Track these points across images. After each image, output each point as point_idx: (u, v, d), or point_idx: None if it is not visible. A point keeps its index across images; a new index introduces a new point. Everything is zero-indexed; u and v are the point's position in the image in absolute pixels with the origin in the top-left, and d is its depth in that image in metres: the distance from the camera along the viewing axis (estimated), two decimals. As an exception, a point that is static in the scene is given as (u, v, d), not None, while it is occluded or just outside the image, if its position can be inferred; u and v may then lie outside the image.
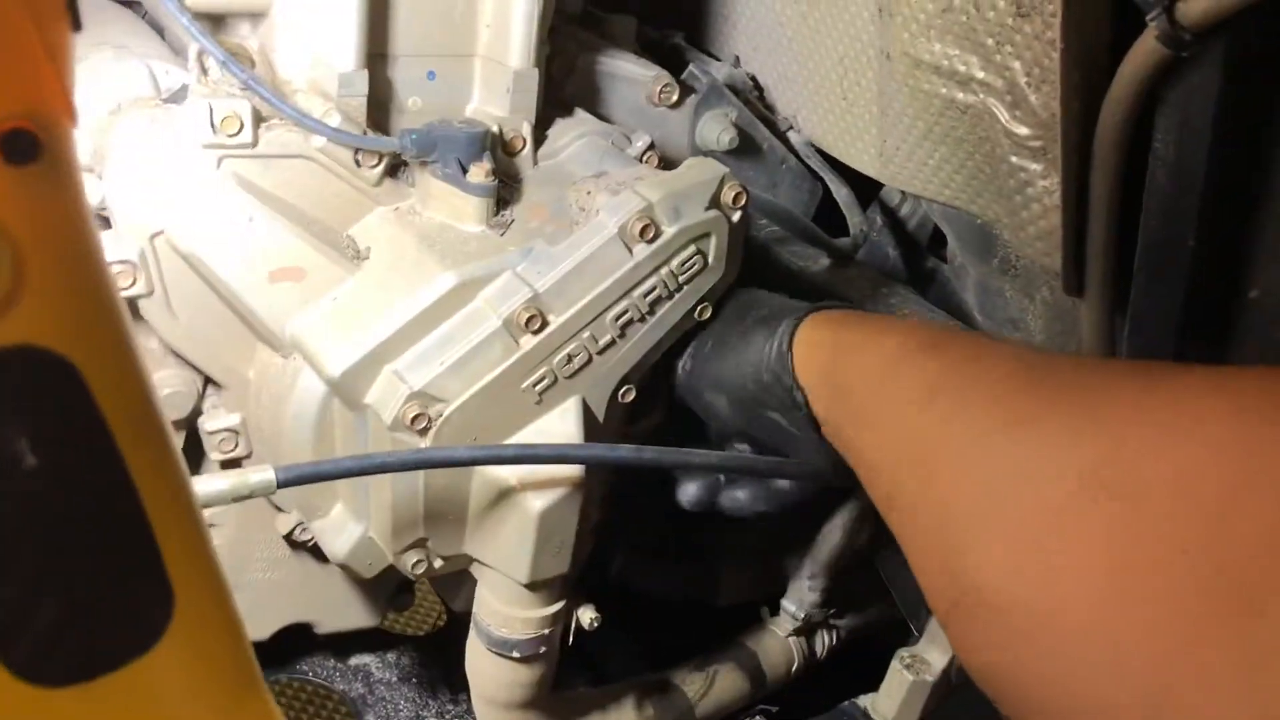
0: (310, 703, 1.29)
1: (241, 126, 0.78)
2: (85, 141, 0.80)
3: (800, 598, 1.16)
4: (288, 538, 0.94)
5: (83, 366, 0.33)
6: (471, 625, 0.91)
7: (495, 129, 0.85)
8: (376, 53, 0.83)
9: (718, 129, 1.03)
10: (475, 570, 0.88)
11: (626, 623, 1.11)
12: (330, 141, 0.80)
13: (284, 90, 0.82)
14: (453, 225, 0.82)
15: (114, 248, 0.79)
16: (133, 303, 0.81)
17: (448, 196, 0.81)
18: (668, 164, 0.89)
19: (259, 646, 0.41)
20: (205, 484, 0.66)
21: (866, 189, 1.09)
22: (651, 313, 0.81)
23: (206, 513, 0.78)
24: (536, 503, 0.79)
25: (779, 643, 1.17)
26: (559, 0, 0.90)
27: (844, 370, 0.71)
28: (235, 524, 0.95)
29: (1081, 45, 0.75)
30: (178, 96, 0.81)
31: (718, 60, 1.15)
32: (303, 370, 0.81)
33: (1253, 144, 0.74)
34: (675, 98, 1.00)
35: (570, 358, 0.79)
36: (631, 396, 0.84)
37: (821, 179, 1.09)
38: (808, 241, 1.06)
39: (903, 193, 1.09)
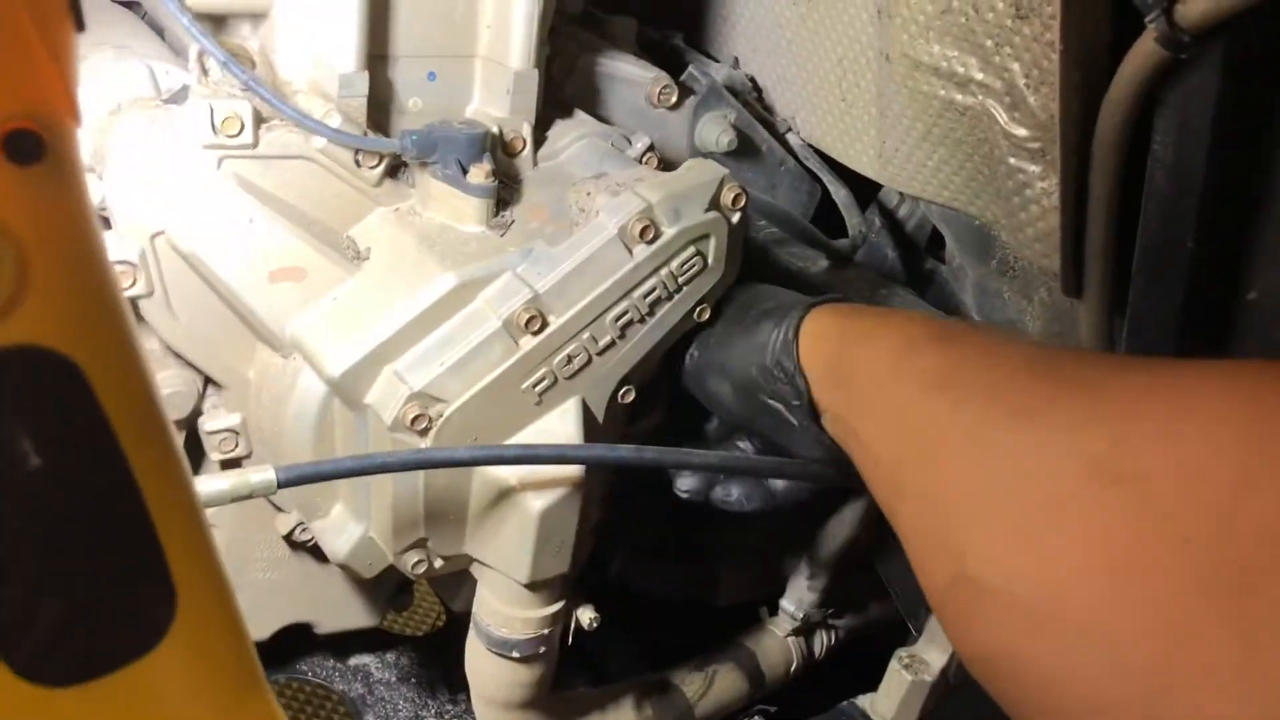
0: (309, 703, 1.29)
1: (242, 127, 0.78)
2: (86, 141, 0.80)
3: (799, 598, 1.16)
4: (288, 538, 0.94)
5: (86, 367, 0.33)
6: (471, 625, 0.91)
7: (495, 130, 0.85)
8: (377, 54, 0.83)
9: (717, 130, 1.03)
10: (475, 570, 0.88)
11: (626, 623, 1.11)
12: (331, 142, 0.80)
13: (284, 91, 0.83)
14: (453, 226, 0.82)
15: (114, 248, 0.79)
16: (133, 303, 0.81)
17: (448, 197, 0.82)
18: (667, 165, 0.89)
19: (258, 647, 0.41)
20: (206, 484, 0.66)
21: (865, 190, 1.09)
22: (651, 313, 0.81)
23: (206, 513, 0.78)
24: (537, 503, 0.79)
25: (778, 643, 1.18)
26: (559, 1, 0.90)
27: (850, 360, 0.72)
28: (235, 524, 0.95)
29: (1080, 47, 0.76)
30: (178, 97, 0.82)
31: (717, 61, 1.15)
32: (303, 370, 0.81)
33: (1252, 145, 0.74)
34: (674, 99, 1.01)
35: (570, 358, 0.79)
36: (631, 397, 0.84)
37: (820, 180, 1.09)
38: (806, 243, 1.07)
39: (901, 194, 1.09)
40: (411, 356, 0.77)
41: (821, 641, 1.21)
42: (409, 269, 0.79)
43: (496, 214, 0.82)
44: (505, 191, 0.84)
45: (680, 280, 0.81)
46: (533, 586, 0.84)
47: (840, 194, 1.07)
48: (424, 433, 0.76)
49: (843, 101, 1.01)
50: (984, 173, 0.89)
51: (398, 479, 0.78)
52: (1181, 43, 0.69)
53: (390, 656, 1.35)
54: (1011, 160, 0.84)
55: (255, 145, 0.79)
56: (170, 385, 0.86)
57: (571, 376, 0.79)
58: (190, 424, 0.89)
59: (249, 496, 0.68)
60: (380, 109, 0.85)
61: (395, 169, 0.84)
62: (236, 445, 0.89)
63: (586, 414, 0.81)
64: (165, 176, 0.78)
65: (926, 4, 0.84)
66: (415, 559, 0.84)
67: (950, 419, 0.58)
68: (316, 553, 0.96)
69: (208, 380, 0.88)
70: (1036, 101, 0.79)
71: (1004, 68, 0.81)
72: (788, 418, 0.77)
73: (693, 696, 1.10)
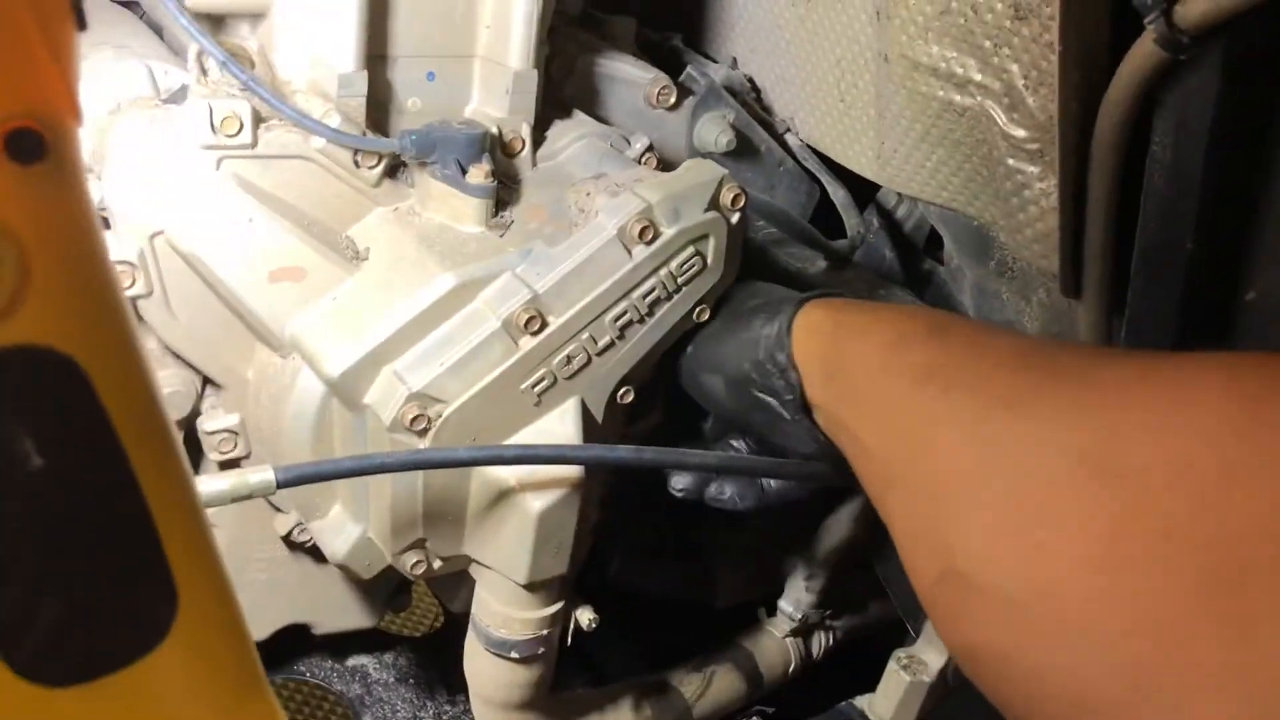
0: (308, 703, 1.29)
1: (241, 127, 0.78)
2: (84, 141, 0.80)
3: (797, 598, 1.16)
4: (286, 538, 0.94)
5: (88, 366, 0.33)
6: (470, 626, 0.91)
7: (494, 130, 0.85)
8: (376, 54, 0.83)
9: (715, 131, 1.03)
10: (474, 571, 0.88)
11: (624, 624, 1.11)
12: (330, 142, 0.80)
13: (283, 91, 0.83)
14: (452, 226, 0.82)
15: (113, 248, 0.79)
16: (132, 303, 0.81)
17: (447, 197, 0.82)
18: (666, 166, 0.89)
19: (256, 647, 0.41)
20: (205, 484, 0.66)
21: (864, 191, 1.09)
22: (650, 314, 0.81)
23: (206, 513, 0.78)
24: (535, 503, 0.79)
25: (776, 643, 1.18)
26: (559, 1, 0.90)
27: (843, 353, 0.72)
28: (233, 524, 0.95)
29: (1080, 48, 0.76)
30: (177, 97, 0.82)
31: (715, 62, 1.15)
32: (302, 370, 0.81)
33: (1251, 146, 0.74)
34: (673, 100, 1.01)
35: (569, 359, 0.79)
36: (630, 398, 0.84)
37: (819, 181, 1.09)
38: (805, 243, 1.07)
39: (900, 194, 1.09)
40: (411, 357, 0.76)
41: (819, 642, 1.21)
42: (408, 269, 0.79)
43: (496, 214, 0.82)
44: (504, 192, 0.84)
45: (679, 280, 0.81)
46: (531, 587, 0.84)
47: (839, 194, 1.07)
48: (423, 433, 0.76)
49: (841, 102, 1.01)
50: (982, 173, 0.89)
51: (396, 479, 0.78)
52: (1180, 44, 0.69)
53: (388, 657, 1.35)
54: (1010, 161, 0.84)
55: (254, 145, 0.79)
56: (169, 385, 0.86)
57: (571, 377, 0.79)
58: (189, 424, 0.89)
59: (248, 497, 0.68)
60: (379, 109, 0.85)
61: (394, 169, 0.84)
62: (235, 445, 0.89)
63: (585, 414, 0.81)
64: (164, 176, 0.78)
65: (925, 5, 0.84)
66: (414, 559, 0.84)
67: (939, 411, 0.58)
68: (315, 553, 0.96)
69: (206, 380, 0.88)
70: (1035, 102, 0.80)
71: (1003, 68, 0.81)
72: (780, 412, 0.77)
73: (691, 697, 1.10)
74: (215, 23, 0.83)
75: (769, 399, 0.77)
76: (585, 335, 0.79)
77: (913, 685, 1.05)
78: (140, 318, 0.82)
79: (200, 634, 0.37)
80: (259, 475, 0.68)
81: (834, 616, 1.21)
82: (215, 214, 0.79)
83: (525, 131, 0.87)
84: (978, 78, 0.83)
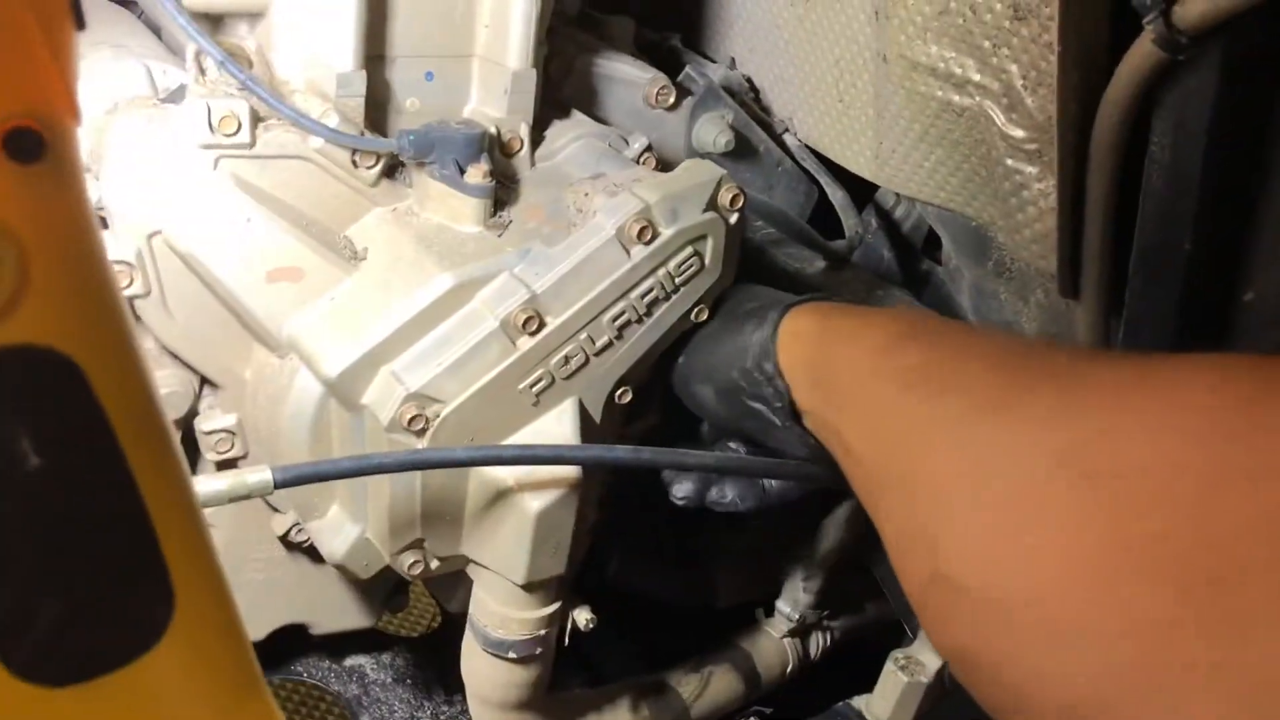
0: (305, 703, 1.29)
1: (239, 127, 0.78)
2: (82, 141, 0.80)
3: (795, 599, 1.16)
4: (284, 538, 0.94)
5: (86, 366, 0.33)
6: (467, 626, 0.91)
7: (493, 130, 0.85)
8: (374, 53, 0.83)
9: (714, 131, 1.03)
10: (472, 571, 0.88)
11: (622, 624, 1.11)
12: (328, 142, 0.80)
13: (282, 90, 0.82)
14: (450, 226, 0.82)
15: (111, 248, 0.79)
16: (129, 303, 0.80)
17: (445, 197, 0.81)
18: (665, 166, 0.89)
19: (254, 647, 0.41)
20: (202, 484, 0.66)
21: (862, 191, 1.09)
22: (649, 314, 0.81)
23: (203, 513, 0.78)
24: (533, 504, 0.79)
25: (774, 644, 1.18)
26: (557, 1, 0.90)
27: (829, 358, 0.71)
28: (231, 525, 0.95)
29: (1078, 48, 0.76)
30: (175, 96, 0.81)
31: (714, 62, 1.15)
32: (300, 370, 0.81)
33: (1249, 147, 0.74)
34: (672, 100, 1.01)
35: (567, 359, 0.79)
36: (628, 398, 0.84)
37: (817, 181, 1.09)
38: (803, 244, 1.07)
39: (898, 195, 1.09)
40: (409, 357, 0.76)
41: (817, 643, 1.21)
42: (406, 269, 0.79)
43: (494, 214, 0.82)
44: (503, 192, 0.84)
45: (678, 281, 0.81)
46: (529, 587, 0.84)
47: (837, 195, 1.07)
48: (421, 433, 0.76)
49: (840, 102, 1.01)
50: (981, 174, 0.89)
51: (394, 479, 0.78)
52: (1179, 44, 0.69)
53: (386, 657, 1.35)
54: (1009, 161, 0.84)
55: (252, 145, 0.79)
56: (166, 385, 0.86)
57: (569, 377, 0.79)
58: (186, 424, 0.89)
59: (246, 497, 0.68)
60: (378, 109, 0.85)
61: (392, 169, 0.84)
62: (233, 446, 0.88)
63: (583, 415, 0.81)
64: (162, 176, 0.78)
65: (924, 5, 0.84)
66: (411, 560, 0.83)
67: (926, 415, 0.58)
68: (313, 553, 0.96)
69: (204, 380, 0.88)
70: (1034, 103, 0.80)
71: (1001, 69, 0.81)
72: (771, 419, 0.77)
73: (688, 697, 1.10)
74: (213, 22, 0.83)
75: (759, 406, 0.77)
76: (583, 335, 0.79)
77: (910, 686, 1.05)
78: (138, 317, 0.82)
79: (197, 634, 0.37)
80: (257, 475, 0.67)
81: (832, 617, 1.21)
82: (213, 214, 0.79)
83: (523, 131, 0.87)
84: (976, 78, 0.83)
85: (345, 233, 0.83)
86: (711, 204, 0.81)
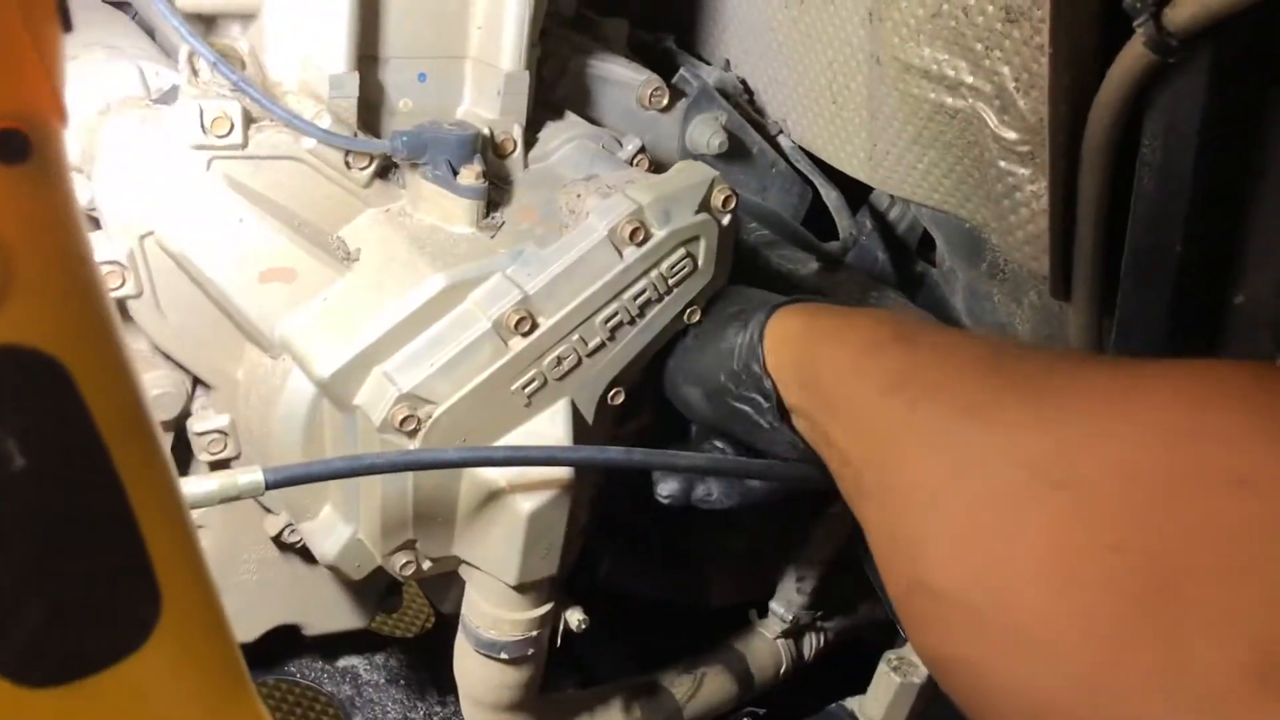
0: (298, 704, 1.29)
1: (232, 127, 0.78)
2: (74, 142, 0.80)
3: (788, 600, 1.16)
4: (276, 539, 0.94)
5: (72, 367, 0.33)
6: (460, 627, 0.91)
7: (486, 131, 0.85)
8: (367, 54, 0.83)
9: (708, 132, 1.03)
10: (464, 572, 0.88)
11: (615, 625, 1.11)
12: (321, 143, 0.80)
13: (274, 92, 0.82)
14: (443, 227, 0.82)
15: (103, 248, 0.79)
16: (122, 303, 0.80)
17: (438, 198, 0.82)
18: (658, 167, 0.89)
19: (247, 648, 0.41)
20: (194, 485, 0.66)
21: (856, 193, 1.09)
22: (641, 315, 0.81)
23: (194, 514, 0.78)
24: (525, 505, 0.79)
25: (767, 645, 1.18)
26: (551, 3, 0.90)
27: (815, 360, 0.72)
28: (223, 525, 0.95)
29: (1070, 50, 0.76)
30: (168, 97, 0.81)
31: (708, 64, 1.15)
32: (292, 371, 0.81)
33: (1240, 149, 0.74)
34: (666, 101, 1.01)
35: (560, 360, 0.79)
36: (621, 399, 0.84)
37: (811, 183, 1.09)
38: (797, 245, 1.07)
39: (892, 197, 1.09)
40: (401, 358, 0.76)
41: (811, 643, 1.21)
42: (399, 270, 0.79)
43: (487, 215, 0.82)
44: (496, 193, 0.84)
45: (670, 282, 0.81)
46: (521, 588, 0.84)
47: (831, 196, 1.08)
48: (413, 434, 0.76)
49: (834, 104, 1.01)
50: (974, 176, 0.89)
51: (386, 480, 0.78)
52: (1169, 46, 0.69)
53: (379, 658, 1.34)
54: (1001, 163, 0.84)
55: (245, 146, 0.79)
56: (159, 386, 0.86)
57: (561, 378, 0.79)
58: (179, 425, 0.89)
59: (237, 498, 0.68)
60: (371, 110, 0.85)
61: (385, 170, 0.84)
62: (225, 446, 0.88)
63: (576, 416, 0.81)
64: (155, 177, 0.78)
65: (917, 7, 0.84)
66: (403, 560, 0.83)
67: (905, 419, 0.58)
68: (305, 554, 0.96)
69: (196, 381, 0.88)
70: (1026, 105, 0.80)
71: (994, 71, 0.81)
72: (758, 420, 0.77)
73: (681, 698, 1.10)
74: (206, 23, 0.83)
75: (746, 408, 0.77)
76: (576, 336, 0.79)
77: (903, 687, 1.05)
78: (130, 318, 0.82)
79: (184, 635, 0.37)
80: (248, 476, 0.67)
81: (825, 618, 1.21)
82: (206, 214, 0.79)
83: (517, 133, 0.87)
84: (969, 80, 0.83)
85: (338, 233, 0.83)
86: (704, 205, 0.81)
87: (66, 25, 0.33)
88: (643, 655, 1.20)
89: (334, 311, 0.79)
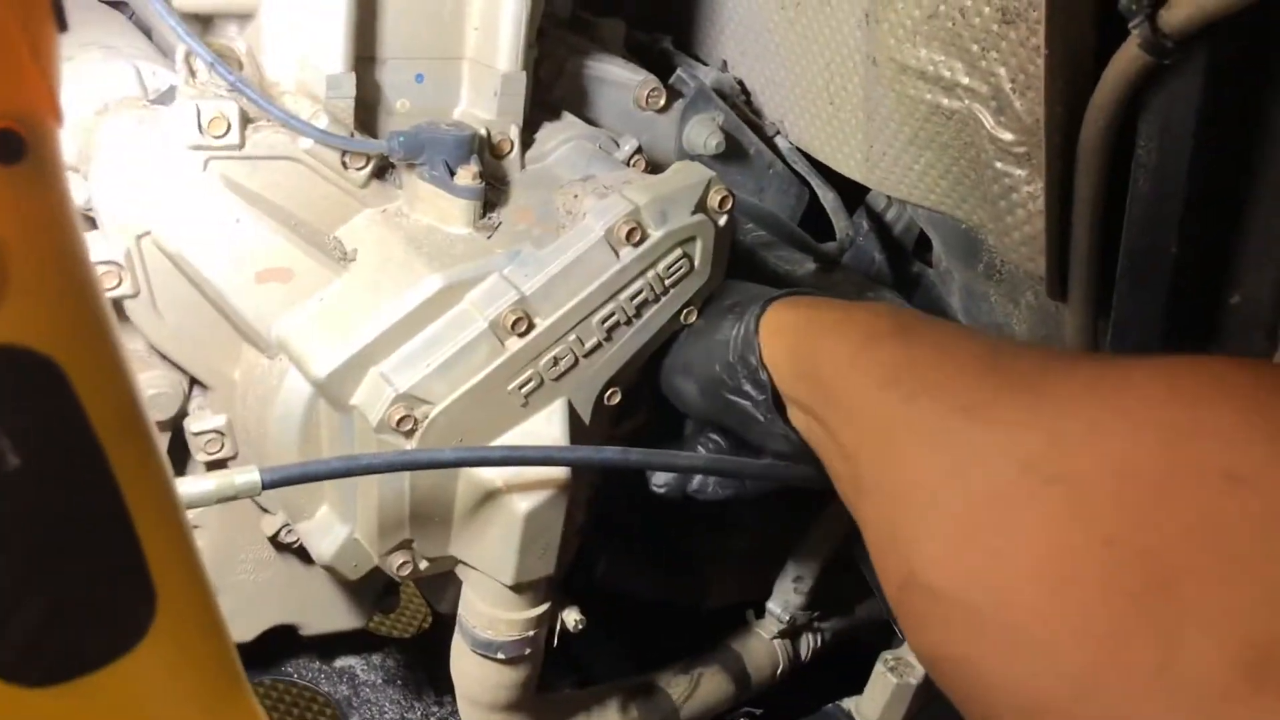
0: (295, 704, 1.29)
1: (229, 128, 0.78)
2: (71, 141, 0.80)
3: (785, 600, 1.16)
4: (273, 539, 0.94)
5: (67, 367, 0.33)
6: (456, 627, 0.91)
7: (483, 132, 0.85)
8: (364, 55, 0.83)
9: (705, 133, 1.03)
10: (460, 572, 0.88)
11: (612, 625, 1.11)
12: (318, 143, 0.80)
13: (271, 92, 0.83)
14: (440, 227, 0.82)
15: (100, 248, 0.79)
16: (118, 303, 0.81)
17: (435, 199, 0.82)
18: (655, 168, 0.89)
19: (244, 648, 0.41)
20: (190, 485, 0.66)
21: (853, 194, 1.09)
22: (638, 316, 0.81)
23: (191, 514, 0.78)
24: (522, 504, 0.79)
25: (764, 645, 1.18)
26: (547, 4, 0.90)
27: (813, 352, 0.72)
28: (220, 525, 0.95)
29: (1065, 52, 0.76)
30: (165, 97, 0.81)
31: (705, 65, 1.15)
32: (289, 371, 0.81)
33: (1235, 150, 0.74)
34: (663, 102, 1.01)
35: (556, 360, 0.79)
36: (618, 399, 0.84)
37: (808, 183, 1.09)
38: (794, 246, 1.07)
39: (888, 197, 1.09)
40: (397, 358, 0.77)
41: (807, 644, 1.21)
42: (396, 270, 0.79)
43: (483, 216, 0.82)
44: (492, 193, 0.84)
45: (667, 283, 0.81)
46: (518, 588, 0.84)
47: (828, 197, 1.08)
48: (410, 434, 0.76)
49: (830, 105, 1.01)
50: (970, 176, 0.89)
51: (383, 480, 0.78)
52: (1164, 48, 0.69)
53: (376, 658, 1.35)
54: (997, 164, 0.84)
55: (242, 146, 0.79)
56: (155, 386, 0.86)
57: (558, 378, 0.79)
58: (176, 425, 0.89)
59: (234, 498, 0.68)
60: (368, 110, 0.85)
61: (382, 170, 0.84)
62: (222, 446, 0.88)
63: (572, 416, 0.81)
64: (151, 177, 0.78)
65: (913, 8, 0.85)
66: (400, 561, 0.84)
67: (903, 414, 0.59)
68: (302, 554, 0.96)
69: (193, 381, 0.88)
70: (1022, 106, 0.80)
71: (990, 72, 0.81)
72: (753, 414, 0.77)
73: (678, 699, 1.10)
74: (203, 23, 0.84)
75: (742, 401, 0.78)
76: (572, 337, 0.79)
77: (900, 687, 1.05)
78: (126, 318, 0.82)
79: (179, 634, 0.37)
80: (245, 476, 0.67)
81: (822, 618, 1.21)
82: (202, 215, 0.79)
83: (514, 133, 0.87)
84: (965, 81, 0.83)
85: (335, 234, 0.83)
86: (701, 206, 0.81)
87: (62, 25, 0.33)
88: (639, 655, 1.20)
89: (331, 312, 0.79)
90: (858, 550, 1.10)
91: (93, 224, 0.80)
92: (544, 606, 0.88)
